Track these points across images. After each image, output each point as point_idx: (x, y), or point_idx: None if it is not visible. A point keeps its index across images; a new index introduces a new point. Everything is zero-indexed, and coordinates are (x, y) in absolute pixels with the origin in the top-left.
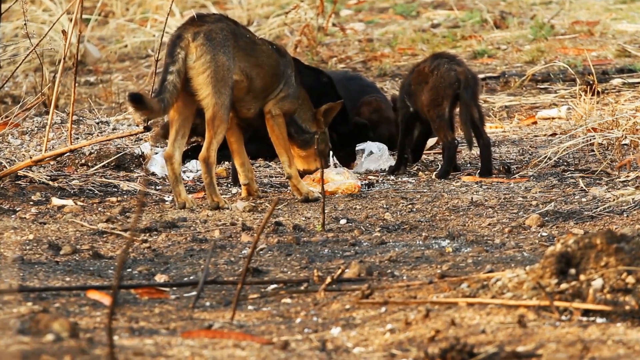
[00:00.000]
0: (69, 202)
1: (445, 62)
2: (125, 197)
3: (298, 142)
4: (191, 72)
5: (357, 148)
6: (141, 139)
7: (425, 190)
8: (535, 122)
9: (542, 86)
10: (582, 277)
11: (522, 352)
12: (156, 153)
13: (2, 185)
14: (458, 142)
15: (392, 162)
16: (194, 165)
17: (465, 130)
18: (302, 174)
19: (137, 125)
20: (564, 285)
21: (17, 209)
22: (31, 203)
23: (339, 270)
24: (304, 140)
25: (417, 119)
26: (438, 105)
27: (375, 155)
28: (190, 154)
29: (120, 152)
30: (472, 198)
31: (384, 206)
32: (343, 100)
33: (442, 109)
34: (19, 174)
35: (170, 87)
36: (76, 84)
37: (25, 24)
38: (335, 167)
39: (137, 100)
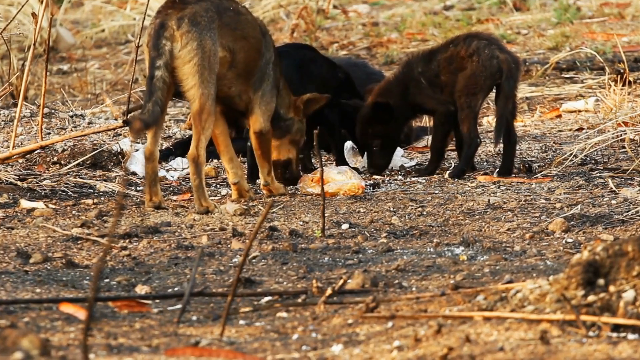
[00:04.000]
0: (39, 205)
1: (485, 46)
2: (102, 199)
3: (274, 130)
4: (176, 61)
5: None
6: (120, 135)
7: (436, 192)
8: (559, 116)
9: (567, 75)
10: (611, 288)
11: None
12: (136, 150)
13: None
14: (480, 141)
15: (404, 160)
16: (179, 163)
17: (498, 125)
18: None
19: (116, 119)
20: (591, 298)
21: None
22: None
23: (341, 281)
24: (280, 127)
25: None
26: (473, 94)
27: None
28: (174, 151)
29: (97, 149)
30: (489, 200)
31: (391, 209)
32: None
33: (475, 99)
34: None
35: (160, 84)
36: (47, 73)
37: None
38: (338, 165)
39: (140, 124)
